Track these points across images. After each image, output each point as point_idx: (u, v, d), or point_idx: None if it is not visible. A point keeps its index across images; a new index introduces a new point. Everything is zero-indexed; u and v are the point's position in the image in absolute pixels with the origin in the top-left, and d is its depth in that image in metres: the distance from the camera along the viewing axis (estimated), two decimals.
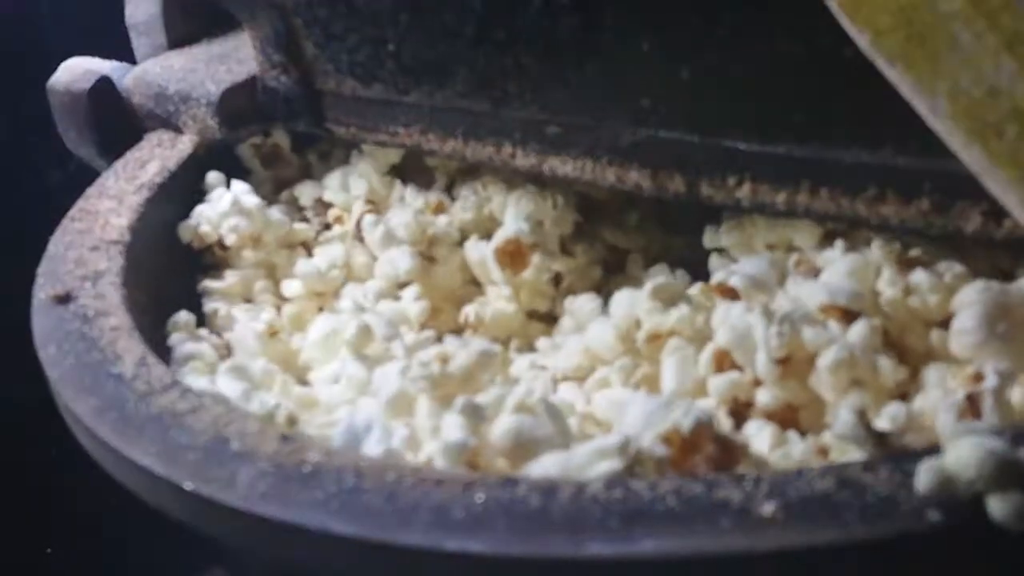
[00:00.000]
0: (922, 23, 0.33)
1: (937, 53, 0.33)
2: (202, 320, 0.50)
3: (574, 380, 0.45)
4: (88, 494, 0.48)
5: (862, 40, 0.34)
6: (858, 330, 0.39)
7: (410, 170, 0.57)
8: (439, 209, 0.54)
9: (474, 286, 0.53)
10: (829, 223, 0.44)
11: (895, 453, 0.33)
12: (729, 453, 0.35)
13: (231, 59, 0.58)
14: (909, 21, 0.33)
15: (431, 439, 0.38)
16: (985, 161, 0.32)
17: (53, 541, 0.73)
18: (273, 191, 0.57)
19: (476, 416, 0.38)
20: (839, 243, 0.43)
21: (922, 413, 0.37)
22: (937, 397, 0.37)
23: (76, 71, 0.58)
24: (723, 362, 0.40)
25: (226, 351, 0.48)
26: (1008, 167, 0.32)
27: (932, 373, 0.38)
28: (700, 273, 0.48)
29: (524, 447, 0.36)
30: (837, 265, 0.42)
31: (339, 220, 0.55)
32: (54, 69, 0.59)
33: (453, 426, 0.37)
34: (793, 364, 0.39)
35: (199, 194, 0.55)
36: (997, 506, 0.28)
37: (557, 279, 0.51)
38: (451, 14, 0.47)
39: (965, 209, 0.38)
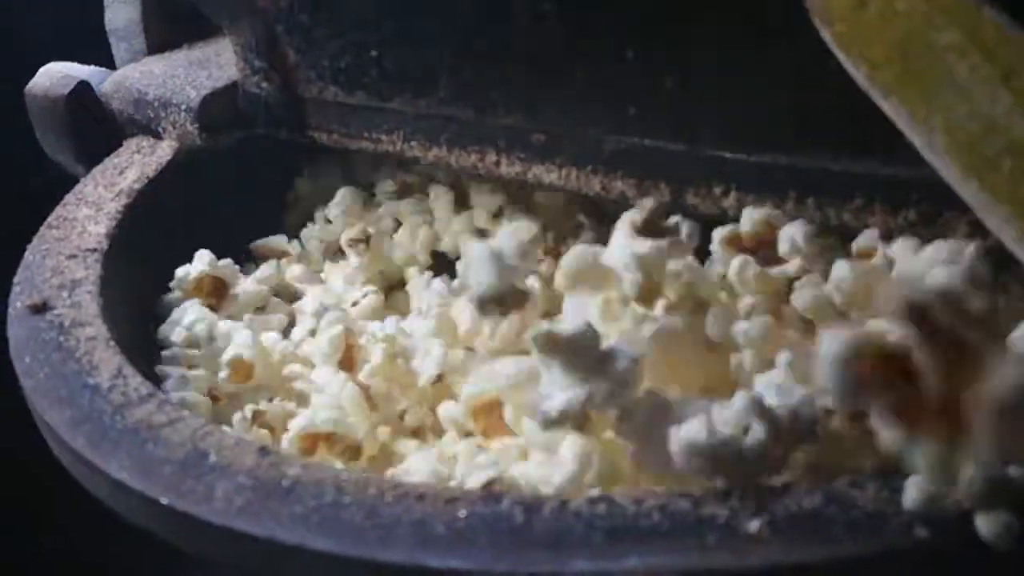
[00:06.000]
0: (917, 57, 0.33)
1: (932, 87, 0.33)
2: None
3: None
4: (64, 495, 0.47)
5: (857, 73, 0.34)
6: None
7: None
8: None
9: None
10: None
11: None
12: None
13: (212, 65, 0.57)
14: (904, 55, 0.33)
15: None
16: (982, 195, 0.32)
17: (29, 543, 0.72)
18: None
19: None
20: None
21: None
22: None
23: (54, 76, 0.58)
24: None
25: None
26: (1005, 202, 0.32)
27: None
28: None
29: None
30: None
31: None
32: (31, 72, 0.58)
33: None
34: None
35: (180, 204, 0.54)
36: (985, 524, 0.28)
37: None
38: (435, 22, 0.47)
39: (952, 220, 0.38)
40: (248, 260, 0.56)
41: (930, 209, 0.39)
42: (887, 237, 0.40)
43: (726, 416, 0.32)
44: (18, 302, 0.45)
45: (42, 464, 0.44)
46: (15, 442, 0.58)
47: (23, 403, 0.42)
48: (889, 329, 0.28)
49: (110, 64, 0.61)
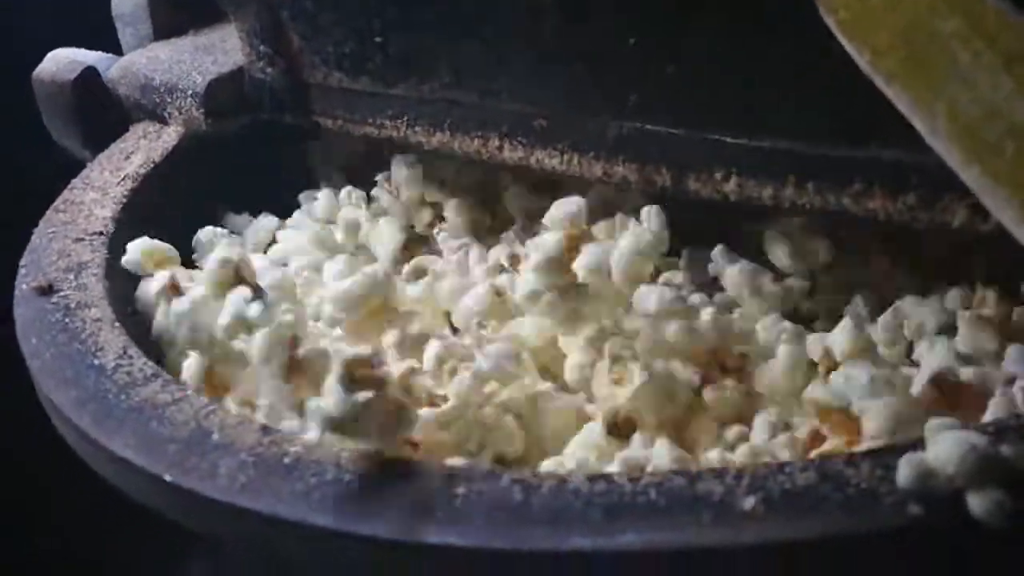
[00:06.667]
0: (921, 43, 0.33)
1: (935, 72, 0.33)
2: None
3: None
4: (62, 487, 0.47)
5: (860, 59, 0.34)
6: None
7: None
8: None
9: None
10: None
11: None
12: None
13: (217, 50, 0.58)
14: (908, 41, 0.33)
15: None
16: (984, 180, 0.32)
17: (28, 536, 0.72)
18: None
19: None
20: None
21: None
22: None
23: (61, 61, 0.58)
24: None
25: None
26: (1007, 186, 0.32)
27: None
28: None
29: None
30: None
31: None
32: (31, 72, 0.58)
33: None
34: None
35: (185, 189, 0.54)
36: (977, 502, 0.28)
37: None
38: (438, 7, 0.47)
39: (951, 203, 0.38)
40: None
41: (929, 193, 0.39)
42: (887, 221, 0.40)
43: None
44: (24, 284, 0.46)
45: (38, 465, 0.45)
46: (11, 443, 0.59)
47: (19, 404, 0.42)
48: None
49: (115, 50, 0.61)
